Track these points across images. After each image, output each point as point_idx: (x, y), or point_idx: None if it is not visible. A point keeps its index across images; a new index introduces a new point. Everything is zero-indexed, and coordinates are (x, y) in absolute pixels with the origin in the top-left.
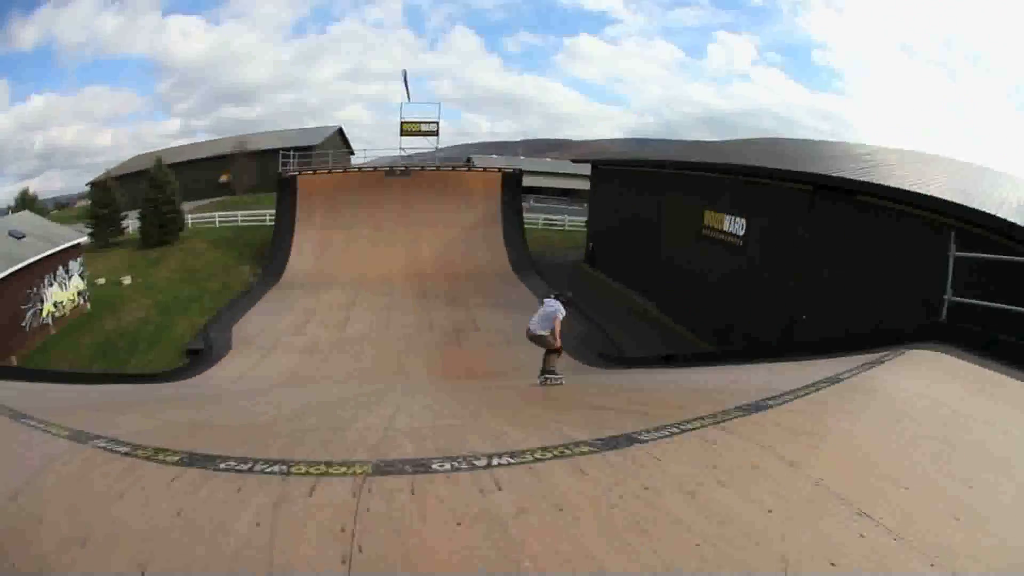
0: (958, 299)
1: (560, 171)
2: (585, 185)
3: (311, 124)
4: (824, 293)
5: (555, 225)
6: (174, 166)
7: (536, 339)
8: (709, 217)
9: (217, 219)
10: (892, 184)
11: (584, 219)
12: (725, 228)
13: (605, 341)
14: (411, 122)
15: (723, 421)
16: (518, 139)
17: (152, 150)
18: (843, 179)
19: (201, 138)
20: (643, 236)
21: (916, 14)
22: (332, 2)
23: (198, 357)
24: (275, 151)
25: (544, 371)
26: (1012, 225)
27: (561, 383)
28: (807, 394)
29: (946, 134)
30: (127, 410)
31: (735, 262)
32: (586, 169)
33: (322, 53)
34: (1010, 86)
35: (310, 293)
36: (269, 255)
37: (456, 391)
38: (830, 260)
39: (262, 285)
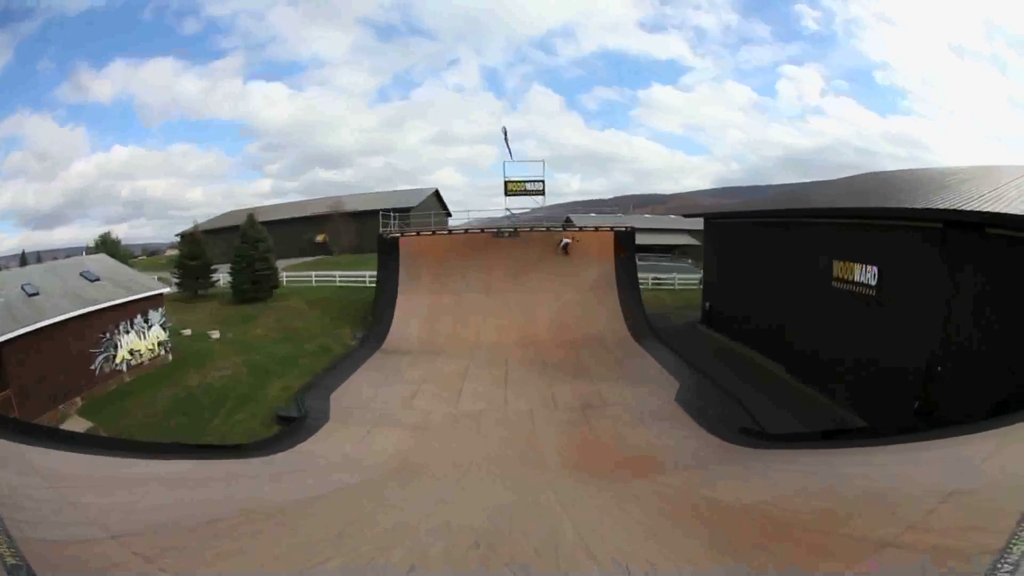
0: None
1: (661, 227)
2: (686, 240)
3: (403, 187)
4: (961, 345)
5: (664, 284)
6: (267, 224)
7: None
8: (839, 268)
9: (314, 278)
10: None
11: (693, 276)
12: (856, 278)
13: (741, 412)
14: (516, 181)
15: None
16: (608, 196)
17: (244, 207)
18: (972, 211)
19: (293, 199)
20: (764, 291)
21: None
22: (411, 68)
23: (291, 426)
24: (372, 212)
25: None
26: None
27: None
28: None
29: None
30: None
31: (866, 314)
32: (687, 223)
33: (407, 118)
34: None
35: (417, 361)
36: (371, 318)
37: (622, 500)
38: (964, 307)
39: (364, 350)
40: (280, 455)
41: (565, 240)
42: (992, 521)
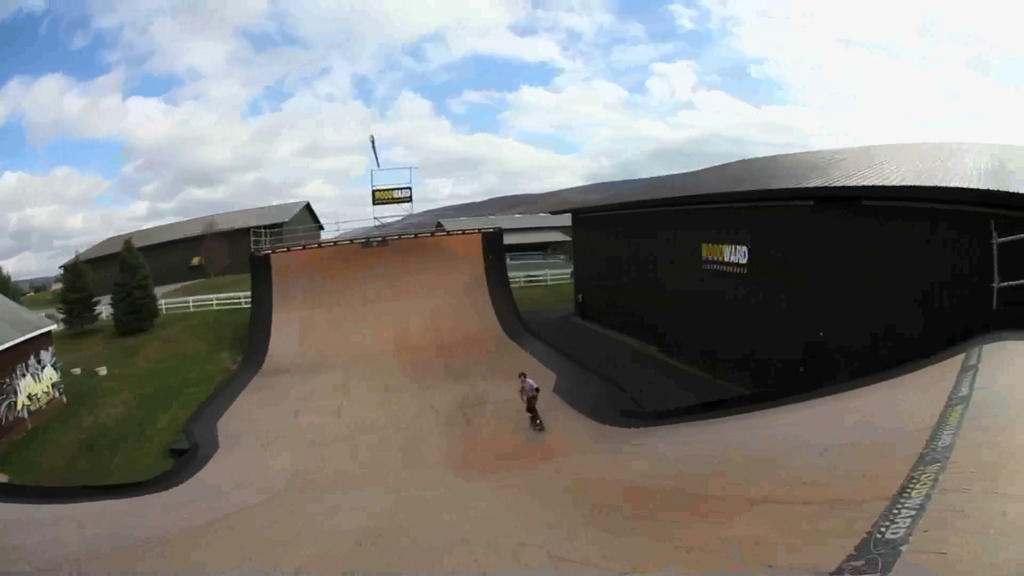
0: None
1: (532, 225)
2: (558, 237)
3: (276, 202)
4: (839, 308)
5: (537, 281)
6: (145, 249)
7: (530, 397)
8: (707, 250)
9: (191, 303)
10: (897, 183)
11: (565, 271)
12: (726, 258)
13: (620, 395)
14: (383, 190)
15: (936, 490)
16: (481, 199)
17: (122, 233)
18: (848, 187)
19: (169, 220)
20: (636, 279)
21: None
22: (284, 79)
23: (183, 459)
24: (245, 230)
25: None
26: None
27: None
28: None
29: (904, 118)
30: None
31: (741, 291)
32: (558, 220)
33: (279, 130)
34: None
35: (297, 379)
36: (248, 340)
37: (501, 490)
38: (840, 274)
39: (245, 373)
40: (176, 488)
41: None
42: (886, 468)
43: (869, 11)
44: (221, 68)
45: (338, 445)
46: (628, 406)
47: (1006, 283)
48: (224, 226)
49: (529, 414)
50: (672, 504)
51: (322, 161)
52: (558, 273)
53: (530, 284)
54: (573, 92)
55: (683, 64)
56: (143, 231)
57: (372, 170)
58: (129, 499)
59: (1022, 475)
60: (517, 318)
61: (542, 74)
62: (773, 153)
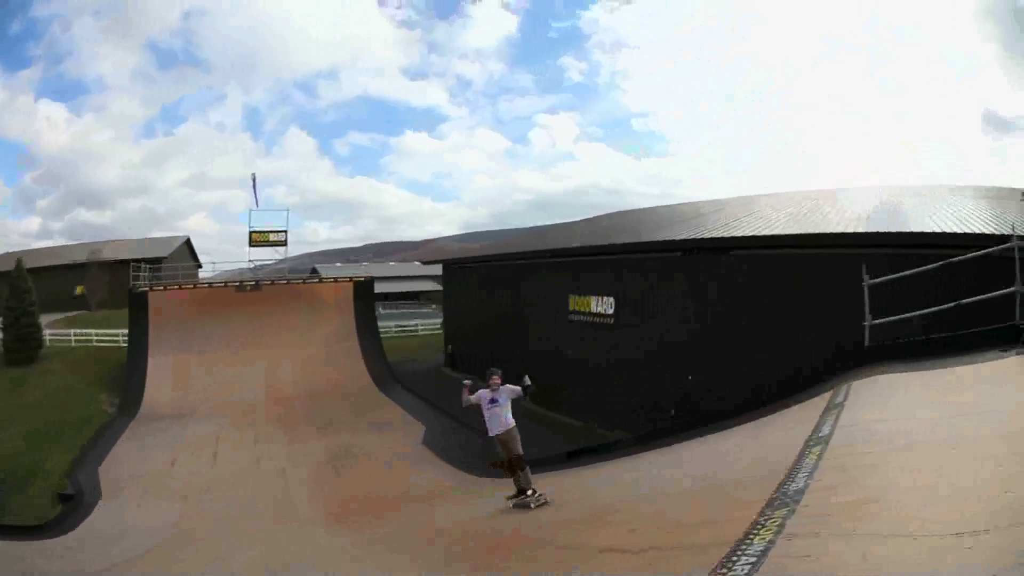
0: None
1: (404, 274)
2: (431, 286)
3: (157, 233)
4: (710, 354)
5: (408, 331)
6: (33, 272)
7: (504, 440)
8: (575, 301)
9: (73, 337)
10: (769, 232)
11: (436, 321)
12: (594, 309)
13: (490, 446)
14: (260, 231)
15: (781, 535)
16: (358, 244)
17: (14, 250)
18: (713, 239)
19: (56, 242)
20: (506, 330)
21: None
22: (181, 101)
23: (69, 505)
24: (127, 263)
25: (520, 490)
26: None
27: (545, 501)
28: (818, 472)
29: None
30: None
31: (609, 341)
32: (431, 268)
33: (169, 156)
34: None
35: (172, 426)
36: (125, 383)
37: (367, 541)
38: (710, 321)
39: (123, 416)
40: (70, 535)
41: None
42: (734, 513)
43: (752, 67)
44: (126, 82)
45: (212, 497)
46: (497, 458)
47: (878, 320)
48: (109, 255)
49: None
50: (525, 554)
51: (206, 194)
52: (429, 323)
53: (401, 334)
54: (456, 140)
55: (567, 116)
56: (32, 251)
57: (251, 210)
58: (21, 542)
59: (885, 515)
60: (387, 369)
61: (428, 120)
62: (651, 203)
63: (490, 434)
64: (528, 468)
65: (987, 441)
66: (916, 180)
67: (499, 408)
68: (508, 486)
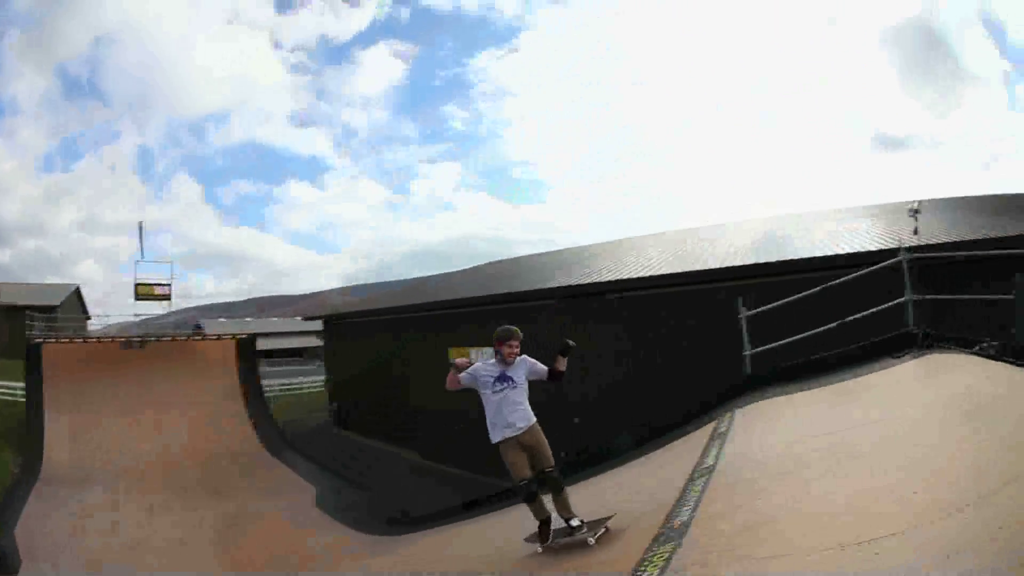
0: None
1: (288, 330)
2: (314, 342)
3: (51, 279)
4: (596, 396)
5: (293, 389)
6: None
7: (529, 444)
8: (454, 353)
9: None
10: (650, 274)
11: (320, 378)
12: (473, 361)
13: (384, 503)
14: (145, 284)
15: (668, 569)
16: (243, 298)
17: None
18: (593, 283)
19: None
20: (389, 385)
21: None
22: (81, 136)
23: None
24: (21, 309)
25: (567, 521)
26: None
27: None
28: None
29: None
30: None
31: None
32: (314, 325)
33: (65, 194)
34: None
35: (74, 490)
36: (25, 441)
37: None
38: (594, 364)
39: (27, 478)
40: None
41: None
42: (618, 552)
43: (633, 110)
44: (34, 107)
45: (119, 568)
46: (393, 513)
47: (756, 349)
48: (5, 300)
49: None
50: None
51: (96, 239)
52: (314, 380)
53: (286, 392)
54: (339, 190)
55: (448, 165)
56: None
57: (136, 260)
58: None
59: (775, 538)
60: (274, 430)
61: (312, 169)
62: (532, 250)
63: (499, 436)
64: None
65: (877, 451)
66: (815, 204)
67: (515, 391)
68: (402, 545)
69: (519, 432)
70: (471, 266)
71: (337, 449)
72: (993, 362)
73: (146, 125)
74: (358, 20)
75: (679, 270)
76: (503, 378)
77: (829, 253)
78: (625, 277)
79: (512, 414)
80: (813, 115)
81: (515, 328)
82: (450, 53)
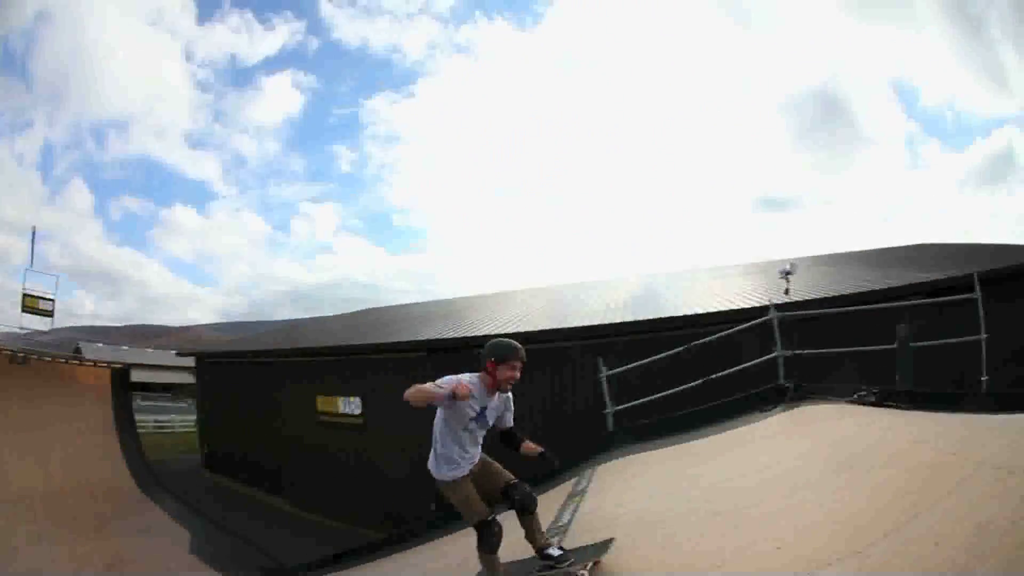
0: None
1: (162, 363)
2: (188, 378)
3: None
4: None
5: (165, 427)
6: None
7: (477, 471)
8: (322, 402)
9: None
10: (521, 330)
11: (192, 418)
12: (341, 410)
13: (254, 552)
14: (33, 296)
15: None
16: (120, 323)
17: None
18: (459, 338)
19: None
20: (262, 430)
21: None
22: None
23: None
24: None
25: (541, 552)
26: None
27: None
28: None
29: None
30: None
31: (360, 442)
32: (188, 360)
33: None
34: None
35: None
36: None
37: None
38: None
39: None
40: None
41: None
42: None
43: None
44: None
45: None
46: (266, 564)
47: (621, 406)
48: None
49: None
50: None
51: None
52: (185, 419)
53: (159, 430)
54: (222, 219)
55: (330, 206)
56: None
57: (27, 268)
58: None
59: None
60: (146, 469)
61: (199, 195)
62: (406, 299)
63: (451, 474)
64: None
65: (741, 506)
66: (703, 261)
67: (480, 431)
68: None
69: (466, 473)
70: (346, 312)
71: (208, 494)
72: (872, 408)
73: (56, 120)
74: (270, 44)
75: (550, 326)
76: (483, 414)
77: (700, 311)
78: (492, 332)
79: (474, 447)
80: (705, 178)
81: (520, 348)
82: (349, 91)
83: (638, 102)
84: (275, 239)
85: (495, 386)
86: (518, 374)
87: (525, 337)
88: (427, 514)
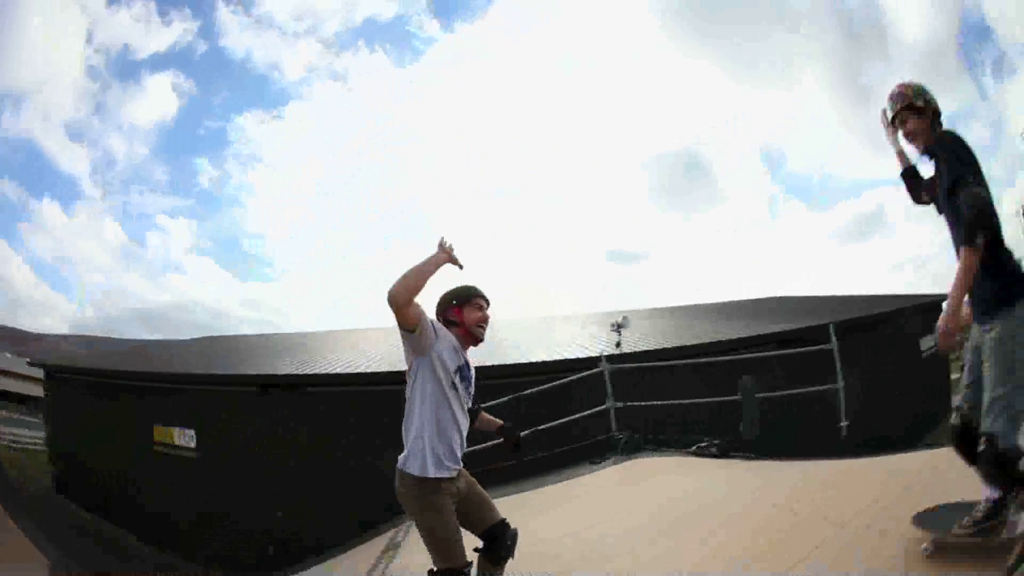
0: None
1: (17, 371)
2: (40, 392)
3: None
4: (302, 491)
5: (18, 443)
6: None
7: (464, 494)
8: (159, 432)
9: None
10: (352, 371)
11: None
12: (176, 441)
13: None
14: None
15: None
16: None
17: None
18: (290, 375)
19: None
20: (110, 456)
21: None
22: None
23: None
24: None
25: None
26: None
27: None
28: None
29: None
30: None
31: (195, 475)
32: (39, 372)
33: None
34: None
35: None
36: None
37: None
38: (292, 457)
39: None
40: None
41: None
42: None
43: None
44: None
45: None
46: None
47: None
48: None
49: None
50: None
51: None
52: (39, 436)
53: (13, 445)
54: (83, 223)
55: (185, 223)
56: None
57: None
58: None
59: None
60: (6, 488)
61: (67, 191)
62: (252, 329)
63: (432, 470)
64: None
65: (567, 567)
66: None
67: (466, 397)
68: None
69: (455, 475)
70: (193, 338)
71: (62, 522)
72: (712, 460)
73: None
74: (161, 40)
75: (386, 369)
76: (465, 371)
77: (535, 360)
78: (323, 372)
79: (460, 434)
80: (559, 230)
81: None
82: (222, 103)
83: (495, 151)
84: (130, 251)
85: (467, 334)
86: (488, 312)
87: (349, 379)
88: (265, 558)
